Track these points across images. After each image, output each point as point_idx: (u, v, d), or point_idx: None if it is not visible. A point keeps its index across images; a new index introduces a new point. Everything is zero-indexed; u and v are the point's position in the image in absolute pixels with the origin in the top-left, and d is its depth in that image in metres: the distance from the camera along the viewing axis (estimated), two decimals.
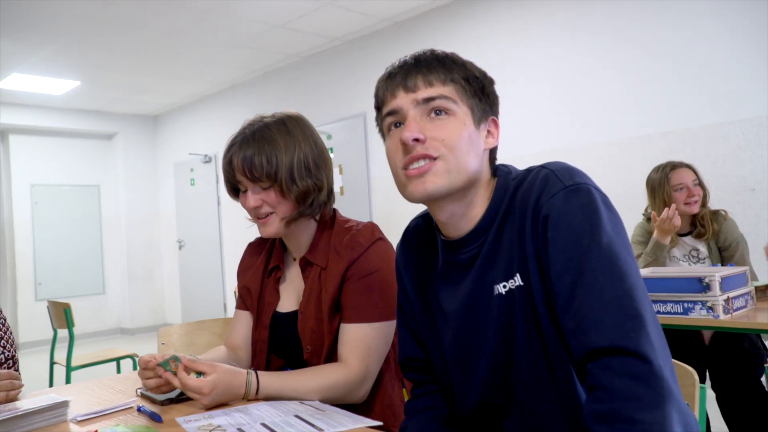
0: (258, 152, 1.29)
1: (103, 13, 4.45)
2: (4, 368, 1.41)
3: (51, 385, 4.07)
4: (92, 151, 7.96)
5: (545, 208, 0.86)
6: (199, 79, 6.50)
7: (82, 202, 7.84)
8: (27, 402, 1.19)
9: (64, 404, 1.16)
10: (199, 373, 1.18)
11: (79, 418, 1.15)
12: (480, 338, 0.96)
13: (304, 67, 5.92)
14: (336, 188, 5.91)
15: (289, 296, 1.43)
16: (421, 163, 0.91)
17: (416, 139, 0.90)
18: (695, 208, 2.61)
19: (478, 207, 0.97)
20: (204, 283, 7.31)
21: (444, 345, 1.04)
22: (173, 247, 7.89)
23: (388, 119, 0.96)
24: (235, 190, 1.39)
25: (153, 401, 1.25)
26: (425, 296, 1.08)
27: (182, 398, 1.24)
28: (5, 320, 1.49)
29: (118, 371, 4.06)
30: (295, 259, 1.45)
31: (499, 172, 1.00)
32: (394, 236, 1.23)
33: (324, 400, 1.23)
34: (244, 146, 1.31)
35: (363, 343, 1.28)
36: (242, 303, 1.51)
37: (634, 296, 0.78)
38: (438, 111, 0.92)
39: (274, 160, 1.29)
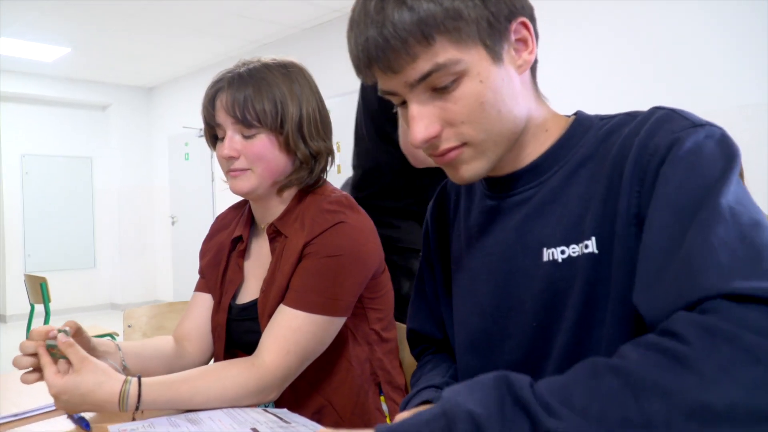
0: (255, 93, 1.06)
1: None
2: None
3: None
4: (85, 122, 7.72)
5: (663, 146, 0.63)
6: (193, 50, 6.25)
7: (75, 173, 7.63)
8: None
9: None
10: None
11: None
12: (511, 314, 0.76)
13: (304, 40, 5.66)
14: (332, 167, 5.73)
15: (255, 276, 1.20)
16: (445, 156, 0.71)
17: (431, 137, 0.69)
18: None
19: (530, 147, 0.76)
20: (196, 261, 7.11)
21: (462, 317, 0.84)
22: (166, 222, 7.69)
23: (388, 96, 0.73)
24: (213, 137, 1.14)
25: None
26: (453, 258, 0.88)
27: None
28: None
29: None
30: (263, 228, 1.20)
31: (578, 112, 0.78)
32: None
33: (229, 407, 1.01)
34: (236, 84, 1.07)
35: (293, 335, 1.02)
36: (203, 284, 1.30)
37: None
38: (437, 88, 0.67)
39: (278, 106, 1.06)
